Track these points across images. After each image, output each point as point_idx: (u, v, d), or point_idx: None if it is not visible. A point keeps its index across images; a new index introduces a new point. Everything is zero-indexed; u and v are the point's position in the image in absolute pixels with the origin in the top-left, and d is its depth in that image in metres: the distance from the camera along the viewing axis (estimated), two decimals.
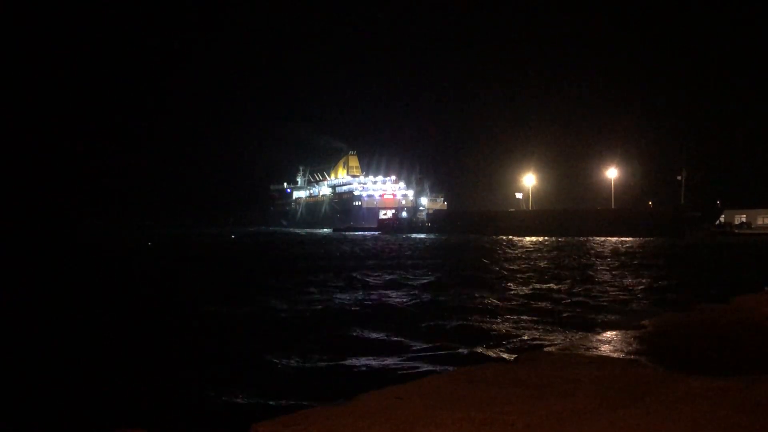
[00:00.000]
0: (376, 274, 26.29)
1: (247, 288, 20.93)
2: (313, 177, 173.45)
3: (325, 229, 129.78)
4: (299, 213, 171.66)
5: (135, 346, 11.44)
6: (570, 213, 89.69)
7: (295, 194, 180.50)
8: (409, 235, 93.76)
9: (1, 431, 6.98)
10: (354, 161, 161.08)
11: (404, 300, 17.29)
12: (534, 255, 41.31)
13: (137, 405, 7.60)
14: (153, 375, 9.23)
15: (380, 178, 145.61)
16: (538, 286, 21.13)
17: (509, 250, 47.31)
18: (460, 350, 9.86)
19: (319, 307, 15.99)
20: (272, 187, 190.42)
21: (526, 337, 11.22)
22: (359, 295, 18.86)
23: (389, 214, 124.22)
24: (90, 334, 12.68)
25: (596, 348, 5.86)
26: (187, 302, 16.87)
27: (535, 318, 13.71)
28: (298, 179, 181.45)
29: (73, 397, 8.13)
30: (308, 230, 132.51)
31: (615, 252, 44.45)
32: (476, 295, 18.03)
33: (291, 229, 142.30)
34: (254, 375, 8.83)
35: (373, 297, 18.21)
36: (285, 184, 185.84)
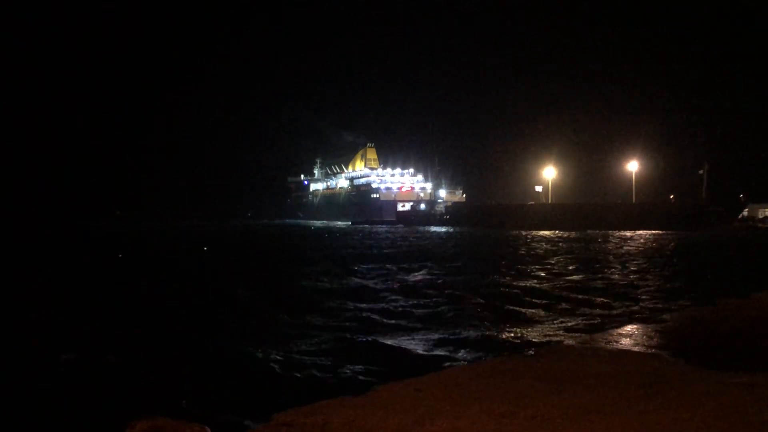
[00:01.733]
0: (403, 265, 26.35)
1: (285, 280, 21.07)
2: (331, 169, 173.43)
3: (342, 222, 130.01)
4: (316, 205, 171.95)
5: (154, 334, 11.60)
6: (590, 207, 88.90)
7: (313, 186, 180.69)
8: (427, 228, 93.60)
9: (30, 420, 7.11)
10: (372, 153, 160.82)
11: (426, 291, 17.31)
12: (554, 248, 41.08)
13: (159, 392, 7.71)
14: (175, 363, 9.35)
15: (398, 170, 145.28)
16: (558, 279, 21.04)
17: (529, 244, 47.09)
18: (480, 342, 9.87)
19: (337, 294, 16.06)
20: (289, 179, 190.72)
21: (546, 330, 11.19)
22: (384, 283, 18.91)
23: (407, 206, 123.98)
24: (127, 318, 12.91)
25: (617, 342, 5.83)
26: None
27: (555, 311, 13.68)
28: (315, 171, 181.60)
29: (96, 383, 8.26)
30: (326, 222, 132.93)
31: (636, 246, 44.05)
32: (496, 288, 18.00)
33: (309, 222, 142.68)
34: (276, 364, 8.91)
35: (394, 284, 18.26)
36: (302, 176, 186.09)
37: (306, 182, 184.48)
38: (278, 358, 9.31)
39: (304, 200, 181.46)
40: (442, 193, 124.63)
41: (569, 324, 11.85)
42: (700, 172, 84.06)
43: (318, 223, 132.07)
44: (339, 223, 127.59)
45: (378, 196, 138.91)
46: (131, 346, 10.89)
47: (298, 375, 8.21)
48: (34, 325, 12.95)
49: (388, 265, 26.73)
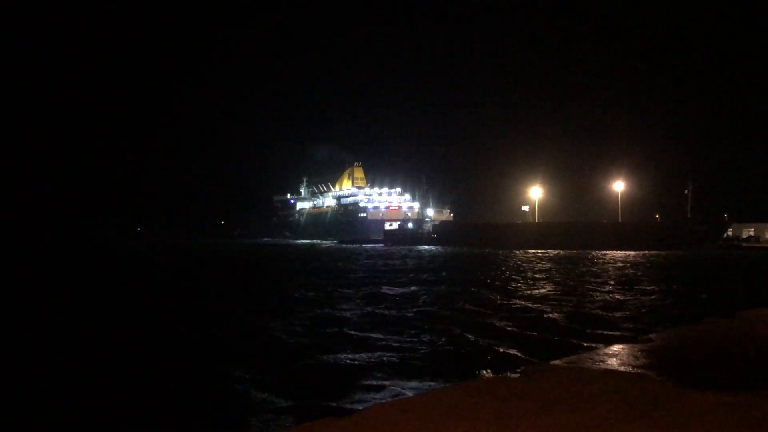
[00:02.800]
0: (393, 287, 26.28)
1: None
2: (318, 188, 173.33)
3: (329, 241, 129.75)
4: (303, 224, 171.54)
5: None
6: (577, 226, 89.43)
7: (299, 205, 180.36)
8: (415, 247, 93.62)
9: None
10: (359, 172, 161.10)
11: (410, 313, 17.23)
12: (539, 268, 41.17)
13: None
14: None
15: (386, 189, 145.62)
16: (543, 299, 21.04)
17: (514, 263, 47.17)
18: (466, 363, 9.82)
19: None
20: (275, 197, 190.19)
21: (532, 350, 11.16)
22: (369, 308, 18.82)
23: (395, 225, 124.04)
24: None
25: (603, 362, 5.81)
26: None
27: (541, 331, 13.65)
28: (302, 190, 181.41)
29: (103, 398, 8.15)
30: (312, 241, 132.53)
31: (621, 265, 44.26)
32: (480, 308, 17.96)
33: (296, 241, 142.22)
34: (257, 387, 8.80)
35: (380, 309, 18.17)
36: (288, 195, 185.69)
37: (292, 201, 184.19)
38: (261, 380, 9.21)
39: (290, 219, 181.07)
40: (430, 212, 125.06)
41: (555, 344, 11.83)
42: (685, 191, 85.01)
43: (306, 242, 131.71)
44: (325, 242, 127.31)
45: (365, 215, 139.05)
46: (147, 353, 10.78)
47: (283, 397, 8.12)
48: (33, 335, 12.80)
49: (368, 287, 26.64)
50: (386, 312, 17.44)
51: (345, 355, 10.99)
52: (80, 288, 26.52)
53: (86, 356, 11.40)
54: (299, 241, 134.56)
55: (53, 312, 17.71)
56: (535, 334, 13.43)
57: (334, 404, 7.29)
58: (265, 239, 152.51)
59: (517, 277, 31.82)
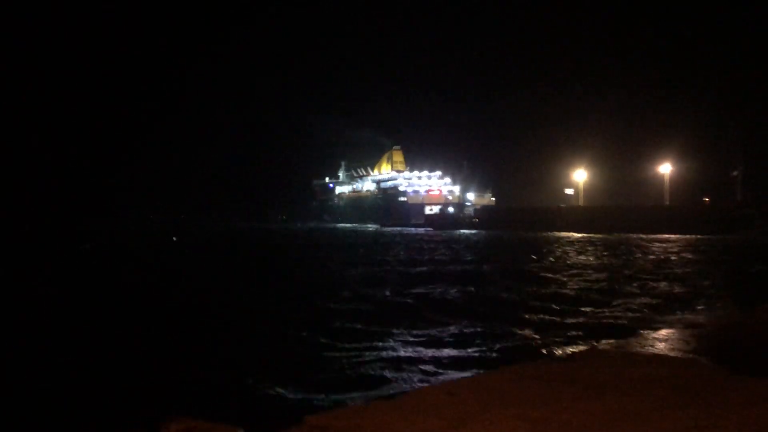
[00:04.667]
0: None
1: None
2: (356, 172, 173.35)
3: (370, 225, 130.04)
4: (342, 208, 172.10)
5: (184, 337, 11.73)
6: (622, 209, 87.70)
7: (338, 189, 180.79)
8: (456, 231, 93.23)
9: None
10: (398, 156, 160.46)
11: (459, 295, 17.20)
12: (586, 251, 40.58)
13: (189, 395, 7.78)
14: (204, 366, 9.44)
15: (425, 173, 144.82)
16: (592, 283, 20.77)
17: (560, 247, 46.59)
18: (514, 347, 9.79)
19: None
20: (314, 182, 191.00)
21: (580, 334, 11.04)
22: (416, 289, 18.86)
23: (435, 209, 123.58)
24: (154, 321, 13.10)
25: (653, 346, 5.71)
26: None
27: (590, 315, 13.50)
28: (340, 174, 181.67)
29: (127, 387, 8.37)
30: (353, 225, 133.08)
31: (669, 249, 43.31)
32: (530, 291, 17.85)
33: (336, 225, 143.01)
34: (308, 367, 8.94)
35: (432, 291, 18.18)
36: (327, 179, 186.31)
37: (331, 185, 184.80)
38: (310, 360, 9.36)
39: (329, 203, 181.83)
40: (471, 195, 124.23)
41: (603, 328, 11.67)
42: (734, 173, 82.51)
43: (346, 226, 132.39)
44: (366, 226, 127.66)
45: (406, 199, 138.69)
46: (163, 345, 11.04)
47: (331, 378, 8.23)
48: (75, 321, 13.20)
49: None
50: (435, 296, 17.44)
51: (391, 339, 11.08)
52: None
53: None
54: (339, 225, 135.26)
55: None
56: (582, 318, 13.29)
57: (380, 387, 7.39)
58: (311, 224, 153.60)
59: (562, 262, 31.45)
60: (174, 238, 44.75)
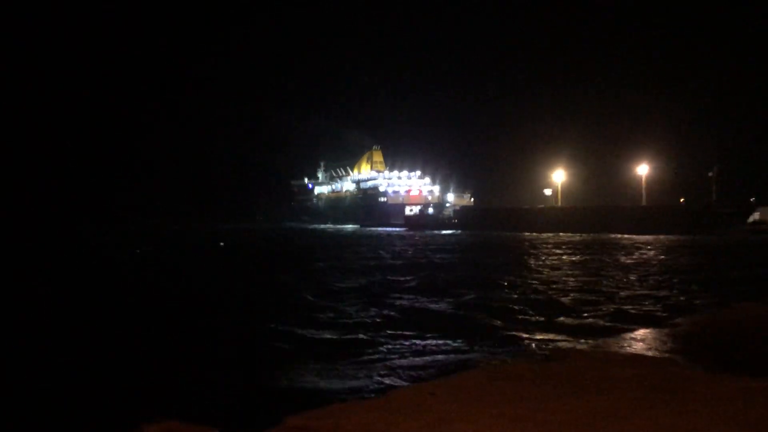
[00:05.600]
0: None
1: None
2: (336, 172, 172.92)
3: (349, 225, 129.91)
4: (321, 209, 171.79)
5: (166, 341, 11.64)
6: (600, 210, 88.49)
7: (317, 189, 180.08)
8: (434, 231, 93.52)
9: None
10: (378, 156, 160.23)
11: (437, 298, 17.21)
12: (564, 253, 40.93)
13: (170, 399, 7.71)
14: (187, 367, 9.37)
15: (405, 173, 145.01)
16: (568, 284, 20.94)
17: (539, 248, 46.94)
18: (492, 347, 9.82)
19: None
20: (293, 182, 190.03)
21: (557, 335, 11.12)
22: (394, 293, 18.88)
23: (415, 210, 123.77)
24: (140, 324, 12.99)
25: (630, 346, 5.79)
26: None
27: (567, 316, 13.58)
28: (319, 174, 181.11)
29: (109, 390, 8.28)
30: (335, 226, 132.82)
31: (646, 250, 43.83)
32: (507, 293, 17.94)
33: (319, 226, 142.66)
34: (287, 369, 8.90)
35: (407, 296, 18.19)
36: (306, 179, 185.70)
37: (310, 185, 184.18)
38: (290, 361, 9.34)
39: (308, 203, 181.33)
40: (450, 196, 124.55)
41: (580, 329, 11.77)
42: (710, 174, 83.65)
43: (326, 226, 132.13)
44: (346, 226, 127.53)
45: (386, 199, 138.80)
46: (141, 346, 10.94)
47: (311, 378, 8.21)
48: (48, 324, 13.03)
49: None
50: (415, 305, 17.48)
51: (374, 339, 11.11)
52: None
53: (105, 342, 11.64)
54: (322, 226, 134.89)
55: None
56: (560, 318, 13.38)
57: (360, 388, 7.39)
58: (292, 224, 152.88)
59: (540, 262, 31.68)
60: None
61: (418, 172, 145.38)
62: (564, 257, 35.48)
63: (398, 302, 16.88)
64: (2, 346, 11.09)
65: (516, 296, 17.27)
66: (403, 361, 9.24)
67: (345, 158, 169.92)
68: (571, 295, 17.71)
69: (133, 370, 9.13)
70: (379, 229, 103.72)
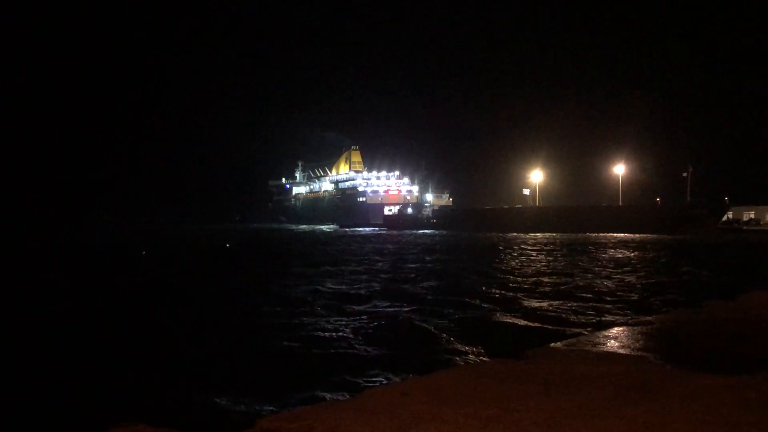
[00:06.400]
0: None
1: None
2: (314, 172, 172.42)
3: (326, 226, 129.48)
4: (299, 209, 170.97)
5: (139, 344, 11.48)
6: (577, 209, 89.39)
7: (295, 190, 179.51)
8: (414, 231, 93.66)
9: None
10: (356, 156, 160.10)
11: (409, 298, 17.22)
12: (539, 252, 41.20)
13: (140, 401, 7.61)
14: (157, 372, 9.25)
15: (384, 173, 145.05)
16: (542, 282, 21.07)
17: (514, 247, 47.21)
18: (466, 346, 9.85)
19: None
20: (271, 182, 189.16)
21: (532, 334, 11.18)
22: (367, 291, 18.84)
23: (394, 210, 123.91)
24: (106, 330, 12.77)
25: (603, 344, 5.80)
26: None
27: (540, 314, 13.68)
28: (297, 175, 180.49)
29: (78, 392, 8.14)
30: (313, 226, 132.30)
31: (621, 249, 44.30)
32: (480, 292, 18.00)
33: (297, 226, 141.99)
34: (259, 370, 8.83)
35: (381, 293, 18.18)
36: (283, 179, 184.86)
37: (288, 186, 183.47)
38: (260, 362, 9.26)
39: (286, 204, 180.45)
40: (429, 196, 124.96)
41: (555, 327, 11.85)
42: (684, 174, 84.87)
43: (305, 227, 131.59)
44: (323, 227, 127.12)
45: (364, 199, 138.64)
46: (112, 348, 10.78)
47: (283, 380, 8.15)
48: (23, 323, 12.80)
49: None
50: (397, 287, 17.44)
51: (345, 336, 11.06)
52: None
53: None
54: (301, 227, 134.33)
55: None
56: (535, 317, 13.47)
57: (335, 388, 7.34)
58: (273, 225, 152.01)
59: (515, 262, 31.86)
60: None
61: (397, 173, 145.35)
62: (539, 256, 35.74)
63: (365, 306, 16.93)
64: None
65: (488, 294, 17.34)
66: (375, 361, 9.21)
67: (323, 158, 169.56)
68: (545, 293, 17.84)
69: (102, 374, 8.99)
70: (359, 229, 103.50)
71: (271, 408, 5.64)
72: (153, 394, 7.83)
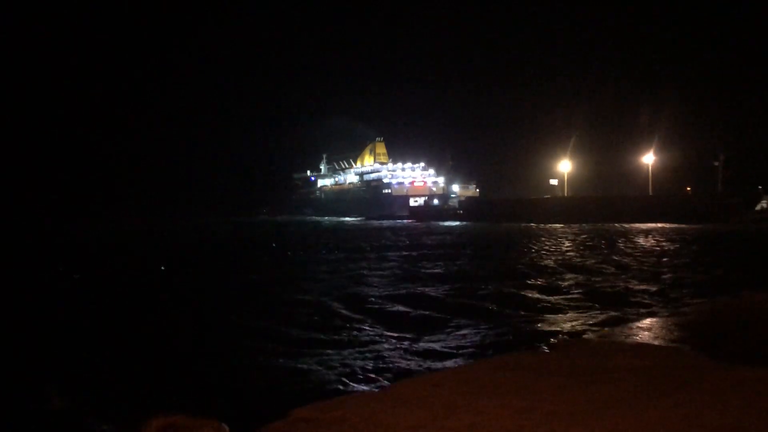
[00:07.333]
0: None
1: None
2: (338, 165, 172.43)
3: (350, 218, 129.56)
4: (324, 201, 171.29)
5: (173, 334, 11.67)
6: (606, 199, 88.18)
7: (320, 182, 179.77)
8: (440, 222, 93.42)
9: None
10: (381, 148, 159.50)
11: (442, 289, 17.19)
12: (570, 242, 40.83)
13: (177, 391, 7.73)
14: (192, 361, 9.39)
15: (409, 164, 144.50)
16: (574, 273, 20.89)
17: (544, 238, 46.85)
18: (498, 338, 9.82)
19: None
20: (295, 175, 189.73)
21: (564, 325, 11.10)
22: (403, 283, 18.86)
23: (420, 201, 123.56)
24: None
25: (636, 335, 5.75)
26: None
27: (572, 305, 13.58)
28: (322, 167, 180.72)
29: (115, 384, 8.30)
30: (338, 218, 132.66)
31: (653, 239, 43.69)
32: (512, 283, 17.91)
33: (321, 218, 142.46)
34: (293, 361, 8.91)
35: (412, 285, 18.19)
36: (308, 172, 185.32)
37: (312, 178, 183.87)
38: (296, 352, 9.35)
39: (310, 196, 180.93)
40: (455, 187, 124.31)
41: (587, 318, 11.75)
42: (716, 163, 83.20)
43: (330, 219, 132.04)
44: (349, 219, 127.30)
45: (390, 191, 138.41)
46: (147, 341, 10.97)
47: (317, 370, 8.22)
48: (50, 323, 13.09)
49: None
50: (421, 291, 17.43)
51: (375, 331, 11.10)
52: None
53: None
54: (326, 218, 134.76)
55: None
56: (564, 306, 13.37)
57: (366, 380, 7.39)
58: (298, 218, 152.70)
59: (547, 252, 31.62)
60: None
61: (422, 164, 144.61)
62: (569, 246, 35.40)
63: (399, 290, 16.94)
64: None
65: (520, 287, 17.23)
66: (407, 353, 9.23)
67: (348, 150, 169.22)
68: (577, 284, 17.68)
69: (136, 367, 9.14)
70: (385, 222, 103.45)
71: (306, 398, 5.73)
72: (186, 385, 7.95)
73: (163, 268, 26.28)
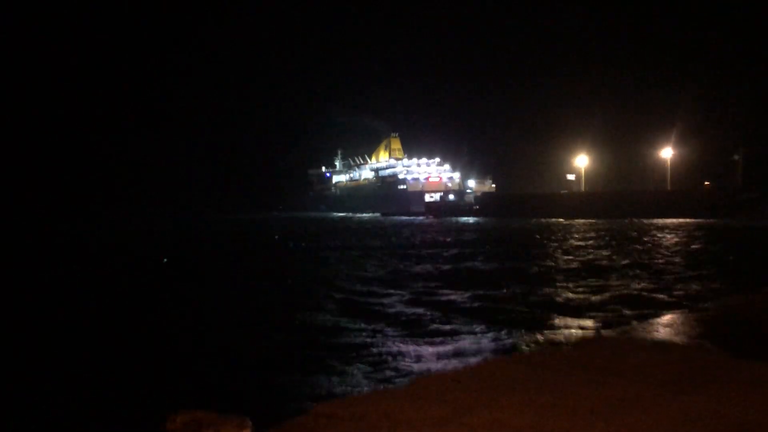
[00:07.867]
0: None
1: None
2: (353, 160, 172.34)
3: (366, 214, 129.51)
4: (339, 197, 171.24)
5: (191, 330, 11.78)
6: (624, 195, 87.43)
7: (335, 178, 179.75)
8: (456, 218, 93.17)
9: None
10: (396, 143, 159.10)
11: (462, 288, 17.15)
12: (588, 238, 40.58)
13: (196, 387, 7.81)
14: (216, 357, 9.48)
15: (424, 160, 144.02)
16: (593, 269, 20.78)
17: (562, 234, 46.59)
18: (519, 334, 9.80)
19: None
20: (310, 171, 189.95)
21: (585, 322, 11.05)
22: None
23: (436, 197, 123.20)
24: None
25: (657, 332, 5.72)
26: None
27: (593, 302, 13.52)
28: (337, 163, 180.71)
29: (138, 380, 8.41)
30: (354, 215, 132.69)
31: (671, 234, 43.30)
32: (533, 280, 17.86)
33: (335, 214, 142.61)
34: (314, 358, 8.96)
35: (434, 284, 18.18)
36: (323, 168, 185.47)
37: (327, 174, 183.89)
38: (318, 349, 9.41)
39: (326, 192, 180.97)
40: (471, 183, 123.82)
41: (608, 314, 11.69)
42: (735, 157, 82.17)
43: (345, 215, 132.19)
44: (365, 215, 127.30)
45: (405, 186, 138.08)
46: (170, 338, 11.08)
47: (339, 366, 8.26)
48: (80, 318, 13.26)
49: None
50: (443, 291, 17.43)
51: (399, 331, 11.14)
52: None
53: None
54: (340, 214, 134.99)
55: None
56: (585, 303, 13.31)
57: (386, 375, 7.42)
58: (312, 213, 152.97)
59: (568, 250, 31.45)
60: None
61: (438, 159, 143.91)
62: (590, 243, 35.18)
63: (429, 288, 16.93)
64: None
65: (540, 283, 17.17)
66: (427, 349, 9.25)
67: (362, 146, 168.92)
68: (597, 281, 17.58)
69: (159, 363, 9.24)
70: (402, 217, 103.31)
71: (328, 394, 5.76)
72: (209, 381, 8.04)
73: (165, 260, 26.54)
